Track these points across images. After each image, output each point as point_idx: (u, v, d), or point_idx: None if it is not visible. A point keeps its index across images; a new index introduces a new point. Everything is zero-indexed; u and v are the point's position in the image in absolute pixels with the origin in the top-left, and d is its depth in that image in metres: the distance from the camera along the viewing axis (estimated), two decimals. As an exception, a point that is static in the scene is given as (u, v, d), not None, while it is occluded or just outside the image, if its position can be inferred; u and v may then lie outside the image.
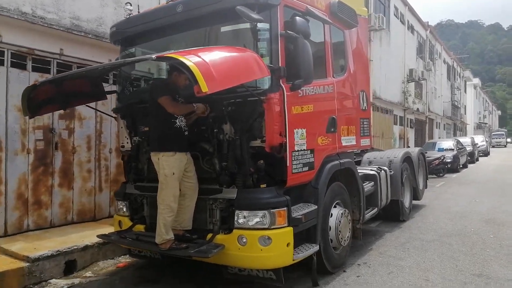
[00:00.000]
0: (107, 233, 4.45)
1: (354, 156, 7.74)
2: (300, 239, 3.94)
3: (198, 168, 3.95)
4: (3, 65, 5.42)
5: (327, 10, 4.52)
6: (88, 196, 6.61)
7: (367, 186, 5.66)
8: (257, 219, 3.57)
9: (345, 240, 4.59)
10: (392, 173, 6.76)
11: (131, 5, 4.49)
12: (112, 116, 4.93)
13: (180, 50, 3.17)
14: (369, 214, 5.56)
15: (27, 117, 5.70)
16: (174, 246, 3.62)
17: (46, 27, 5.60)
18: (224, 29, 3.88)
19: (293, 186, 3.89)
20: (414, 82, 23.78)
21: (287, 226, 3.62)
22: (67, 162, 6.29)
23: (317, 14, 4.17)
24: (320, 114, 4.26)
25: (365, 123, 5.50)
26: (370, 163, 7.26)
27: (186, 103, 3.74)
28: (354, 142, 5.10)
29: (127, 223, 4.53)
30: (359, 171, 5.97)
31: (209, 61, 2.90)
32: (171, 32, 4.16)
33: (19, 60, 5.56)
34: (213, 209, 3.86)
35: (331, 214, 4.44)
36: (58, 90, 4.19)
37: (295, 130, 3.79)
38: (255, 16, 3.43)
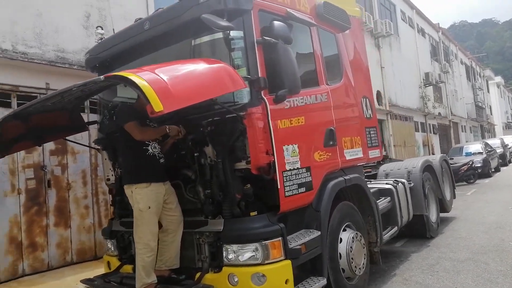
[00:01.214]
0: (93, 276, 4.04)
1: (370, 170, 7.29)
2: (304, 271, 3.43)
3: (181, 198, 3.53)
4: (-15, 104, 5.27)
5: (312, 12, 4.11)
6: (87, 234, 6.28)
7: (383, 202, 5.08)
8: (249, 254, 3.09)
9: (360, 268, 4.01)
10: (412, 185, 6.15)
11: (102, 29, 4.25)
12: (95, 148, 4.61)
13: (136, 68, 2.82)
14: (388, 234, 4.95)
15: (15, 156, 5.54)
16: (157, 290, 3.18)
17: (27, 62, 5.43)
18: (197, 41, 3.51)
19: (289, 211, 3.41)
20: (432, 86, 22.95)
21: (284, 259, 3.12)
22: (62, 200, 6.01)
23: (300, 18, 3.78)
24: (315, 126, 3.79)
25: (372, 132, 4.97)
26: (386, 175, 6.69)
27: (158, 126, 3.36)
28: (360, 155, 4.57)
29: (115, 263, 4.11)
30: (372, 186, 5.44)
31: (167, 77, 2.52)
32: (145, 52, 3.83)
33: (2, 98, 5.40)
34: (200, 244, 3.40)
35: (340, 239, 3.90)
36: (30, 125, 3.90)
37: (284, 147, 3.33)
38: (223, 23, 3.06)
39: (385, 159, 7.91)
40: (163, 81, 2.44)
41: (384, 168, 6.95)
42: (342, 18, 4.50)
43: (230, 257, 3.15)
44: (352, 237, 3.98)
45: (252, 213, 3.23)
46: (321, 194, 3.71)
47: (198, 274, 3.30)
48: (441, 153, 15.56)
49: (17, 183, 5.52)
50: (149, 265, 3.18)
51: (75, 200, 6.15)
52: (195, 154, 3.40)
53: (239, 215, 3.22)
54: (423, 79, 22.20)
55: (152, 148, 3.28)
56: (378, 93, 16.69)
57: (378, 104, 16.55)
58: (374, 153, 4.98)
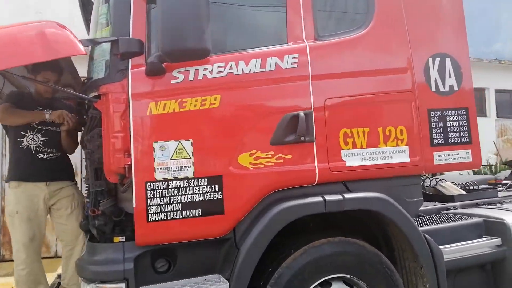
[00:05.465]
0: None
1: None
2: None
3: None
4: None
5: None
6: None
7: (473, 246, 2.89)
8: (86, 297, 2.25)
9: None
10: None
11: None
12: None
13: None
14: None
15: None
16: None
17: None
18: None
19: (178, 243, 2.31)
20: None
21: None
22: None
23: None
24: (249, 110, 2.39)
25: (450, 118, 2.83)
26: None
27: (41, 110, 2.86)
28: (403, 158, 2.66)
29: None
30: (475, 212, 3.27)
31: None
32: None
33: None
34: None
35: (307, 300, 2.39)
36: None
37: (156, 144, 2.22)
38: None
39: None
40: None
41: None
42: None
43: (84, 293, 2.39)
44: (333, 302, 2.38)
45: (116, 239, 2.32)
46: (252, 224, 2.35)
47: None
48: None
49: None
50: (24, 279, 2.77)
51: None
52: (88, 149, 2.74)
53: (96, 239, 2.39)
54: None
55: (29, 140, 2.82)
56: None
57: None
58: (453, 156, 2.85)
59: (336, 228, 2.71)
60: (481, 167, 10.14)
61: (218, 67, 2.34)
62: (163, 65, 2.24)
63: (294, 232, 2.60)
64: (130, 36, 2.27)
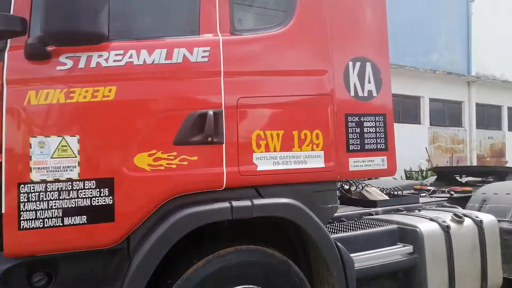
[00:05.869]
0: None
1: (471, 189, 4.67)
2: None
3: None
4: None
5: None
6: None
7: (386, 254, 2.88)
8: None
9: None
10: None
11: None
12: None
13: None
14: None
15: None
16: None
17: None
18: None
19: (63, 253, 2.04)
20: None
21: None
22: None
23: None
24: (148, 105, 2.18)
25: (367, 124, 2.81)
26: (483, 202, 4.13)
27: None
28: (318, 164, 2.58)
29: None
30: (391, 218, 3.29)
31: None
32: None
33: None
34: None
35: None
36: None
37: (33, 140, 1.94)
38: None
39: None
40: None
41: (486, 190, 4.33)
42: None
43: None
44: (232, 317, 2.23)
45: (-16, 247, 2.01)
46: (149, 232, 2.14)
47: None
48: None
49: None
50: None
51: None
52: None
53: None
54: None
55: None
56: None
57: None
58: (368, 163, 2.82)
59: (257, 235, 2.58)
60: (412, 172, 10.66)
61: (115, 55, 2.11)
62: (47, 48, 1.96)
63: (207, 239, 2.44)
64: (11, 12, 1.97)
